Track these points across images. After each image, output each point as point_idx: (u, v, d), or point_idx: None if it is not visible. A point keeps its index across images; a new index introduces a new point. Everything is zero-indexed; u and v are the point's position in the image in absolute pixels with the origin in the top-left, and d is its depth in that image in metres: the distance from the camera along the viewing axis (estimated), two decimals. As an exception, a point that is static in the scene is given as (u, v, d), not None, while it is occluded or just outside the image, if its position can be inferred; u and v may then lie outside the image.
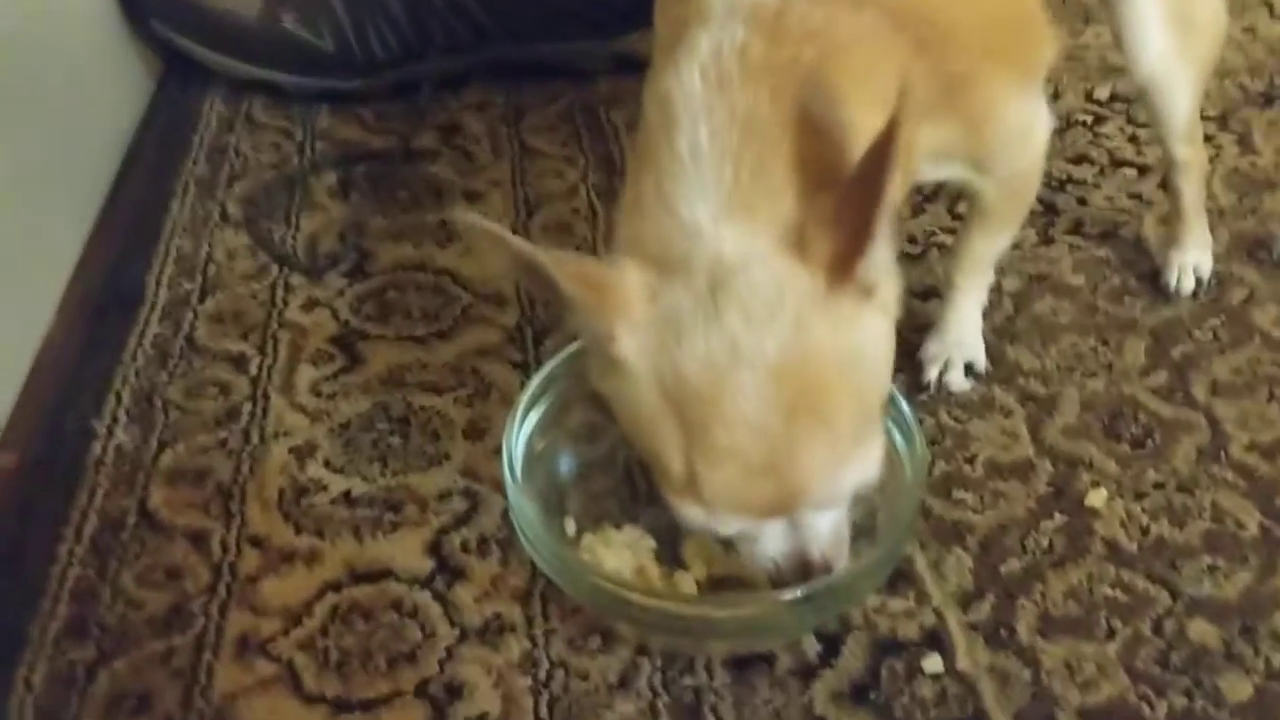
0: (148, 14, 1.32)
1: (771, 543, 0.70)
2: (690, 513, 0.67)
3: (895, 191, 0.65)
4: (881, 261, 0.65)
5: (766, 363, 0.63)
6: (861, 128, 0.65)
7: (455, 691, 0.76)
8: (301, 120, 1.34)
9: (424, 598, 0.82)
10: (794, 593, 0.70)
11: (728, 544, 0.77)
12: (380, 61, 1.34)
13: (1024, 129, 0.86)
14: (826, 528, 0.70)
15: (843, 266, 0.63)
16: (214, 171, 1.25)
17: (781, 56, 0.68)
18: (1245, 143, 1.30)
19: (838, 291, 0.64)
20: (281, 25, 1.31)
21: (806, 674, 0.77)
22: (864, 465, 0.67)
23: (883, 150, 0.59)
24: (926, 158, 0.79)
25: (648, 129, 0.70)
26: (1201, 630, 0.80)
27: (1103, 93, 1.38)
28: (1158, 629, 0.80)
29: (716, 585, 0.79)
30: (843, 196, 0.62)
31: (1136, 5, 0.97)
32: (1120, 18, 0.98)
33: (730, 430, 0.63)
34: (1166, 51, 0.99)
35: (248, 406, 0.96)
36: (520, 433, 0.80)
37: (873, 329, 0.67)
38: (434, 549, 0.85)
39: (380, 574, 0.83)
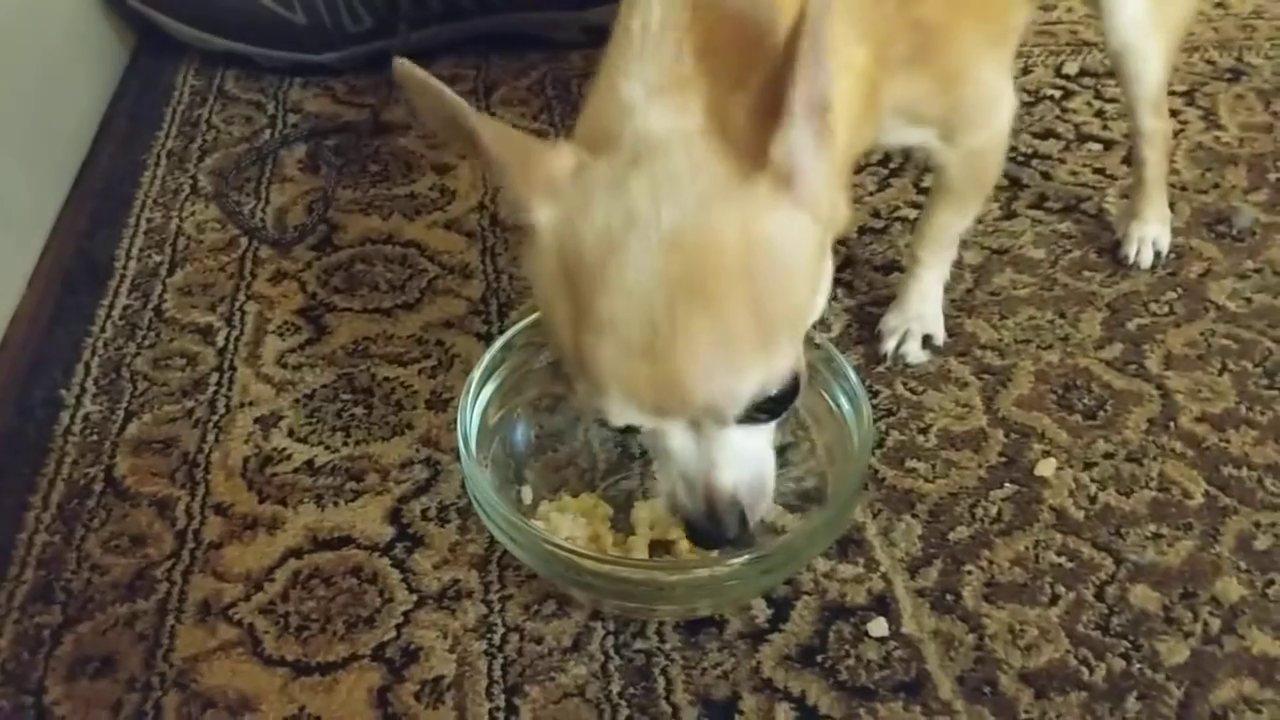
0: (122, -13, 1.33)
1: (678, 456, 0.67)
2: (583, 393, 0.65)
3: (863, 138, 0.63)
4: (801, 150, 0.61)
5: (659, 233, 0.61)
6: (840, 50, 0.66)
7: (412, 655, 0.78)
8: (273, 93, 1.35)
9: (383, 564, 0.83)
10: (742, 556, 0.72)
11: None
12: (351, 35, 1.35)
13: (992, 98, 0.87)
14: (739, 454, 0.67)
15: (758, 150, 0.61)
16: (185, 144, 1.27)
17: None
18: (1210, 118, 1.32)
19: (752, 178, 0.62)
20: (255, -1, 1.32)
21: (755, 637, 0.79)
22: (764, 376, 0.63)
23: (799, 27, 0.57)
24: (896, 114, 0.79)
25: (616, 17, 0.70)
26: (1143, 595, 0.82)
27: (1072, 68, 1.39)
28: (1100, 594, 0.82)
29: (665, 549, 0.81)
30: (768, 78, 0.60)
31: None
32: None
33: (611, 299, 0.61)
34: (1140, 17, 1.00)
35: (214, 377, 0.98)
36: (475, 403, 0.81)
37: (788, 224, 0.63)
38: (394, 517, 0.87)
39: (341, 541, 0.85)
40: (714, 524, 0.69)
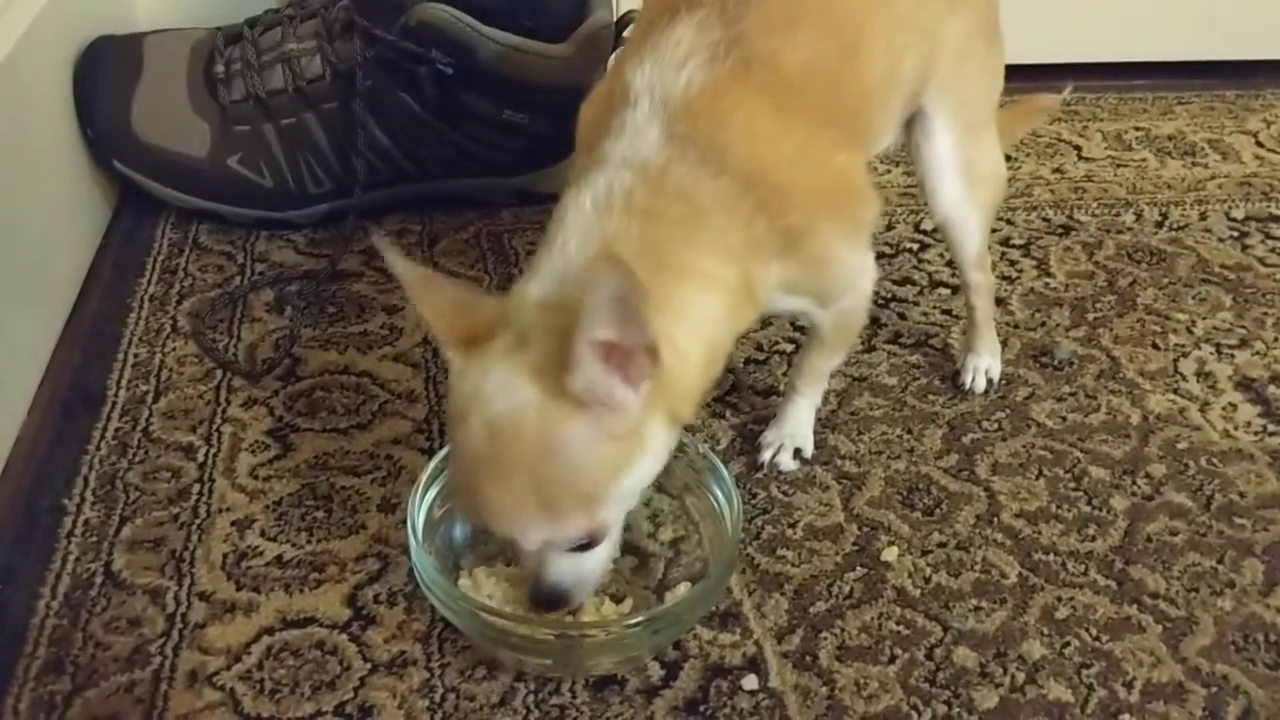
0: (110, 155, 1.52)
1: (527, 565, 0.92)
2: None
3: (740, 325, 0.86)
4: (597, 385, 0.80)
5: (484, 418, 0.83)
6: (714, 274, 0.88)
7: (367, 712, 0.94)
8: (242, 245, 1.53)
9: (342, 639, 1.00)
10: (637, 617, 0.91)
11: None
12: (312, 195, 1.54)
13: (855, 273, 1.06)
14: (566, 568, 0.90)
15: (556, 379, 0.80)
16: (165, 289, 1.44)
17: (657, 205, 0.89)
18: (1042, 266, 1.56)
19: (555, 399, 0.81)
20: (227, 165, 1.51)
21: (650, 693, 0.96)
22: (548, 533, 0.85)
23: (584, 308, 0.76)
24: (778, 290, 0.99)
25: (549, 226, 0.92)
26: (964, 655, 1.01)
27: (928, 224, 1.63)
28: (929, 655, 1.01)
29: (574, 616, 0.98)
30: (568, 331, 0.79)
31: (933, 163, 1.19)
32: (922, 172, 1.21)
33: (459, 453, 0.86)
34: (957, 199, 1.21)
35: (196, 488, 1.15)
36: (421, 504, 0.99)
37: (577, 436, 0.82)
38: (351, 601, 1.03)
39: (307, 620, 1.01)
40: (538, 601, 0.93)
